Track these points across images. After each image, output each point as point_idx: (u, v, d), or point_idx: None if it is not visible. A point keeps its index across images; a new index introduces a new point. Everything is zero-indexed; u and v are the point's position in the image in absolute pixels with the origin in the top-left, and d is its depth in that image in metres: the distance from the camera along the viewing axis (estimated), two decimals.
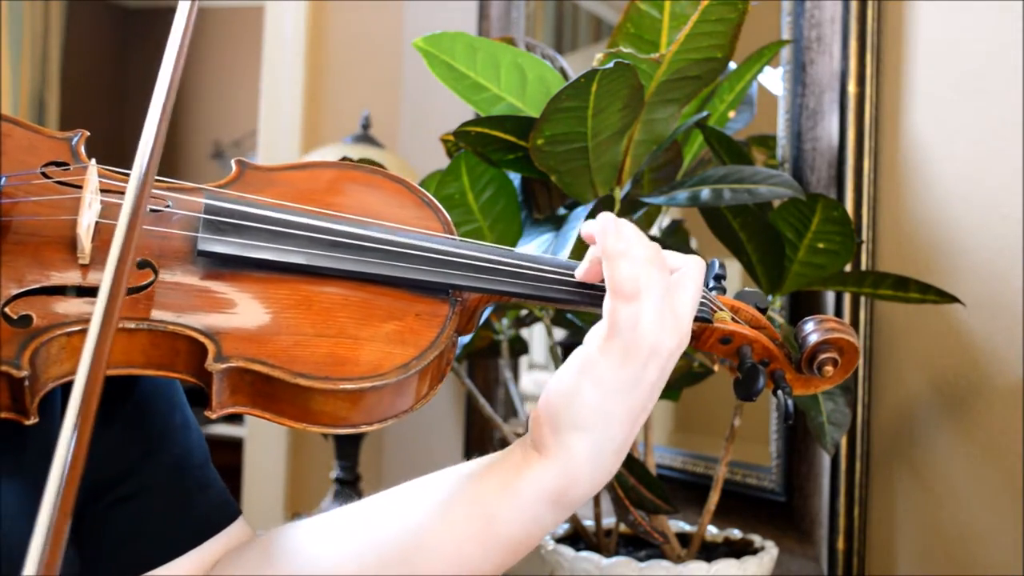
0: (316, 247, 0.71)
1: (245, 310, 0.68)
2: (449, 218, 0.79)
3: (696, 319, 0.75)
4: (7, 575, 0.66)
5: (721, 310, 0.78)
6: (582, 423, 0.69)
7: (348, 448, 2.08)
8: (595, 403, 0.69)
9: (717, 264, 0.81)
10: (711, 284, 0.80)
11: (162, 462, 0.81)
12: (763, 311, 0.79)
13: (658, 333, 0.68)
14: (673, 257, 0.73)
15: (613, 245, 0.68)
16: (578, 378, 0.69)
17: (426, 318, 0.71)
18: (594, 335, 0.70)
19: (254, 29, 3.11)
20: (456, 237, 0.77)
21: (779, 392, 0.76)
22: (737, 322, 0.78)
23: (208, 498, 0.83)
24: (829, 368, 0.77)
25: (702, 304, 0.77)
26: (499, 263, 0.74)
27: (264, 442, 2.58)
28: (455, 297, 0.73)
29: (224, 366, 0.64)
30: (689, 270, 0.72)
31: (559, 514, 0.72)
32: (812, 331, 0.77)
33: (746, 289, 0.81)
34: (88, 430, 0.53)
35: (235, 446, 2.89)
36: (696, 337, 0.77)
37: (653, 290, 0.68)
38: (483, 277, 0.73)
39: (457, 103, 1.15)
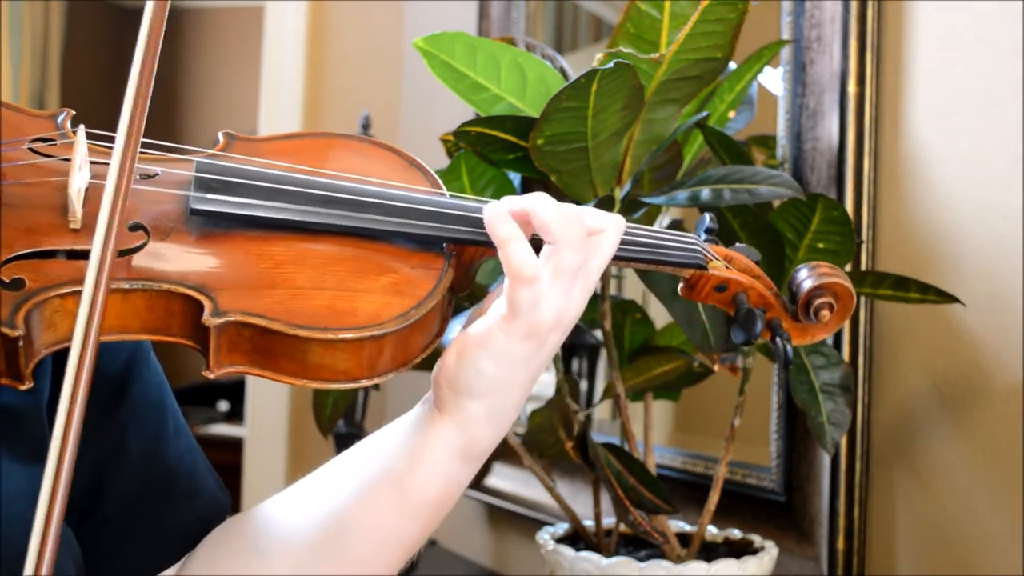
0: (309, 203, 0.71)
1: (240, 267, 0.68)
2: (438, 177, 0.79)
3: (691, 266, 0.77)
4: (7, 554, 0.66)
5: (715, 259, 0.78)
6: (479, 391, 0.70)
7: (348, 447, 2.07)
8: (493, 374, 0.69)
9: (708, 218, 0.81)
10: (703, 236, 0.81)
11: (155, 471, 0.81)
12: (757, 263, 0.80)
13: (562, 309, 0.69)
14: (593, 218, 0.72)
15: (502, 232, 0.68)
16: (477, 351, 0.69)
17: (422, 271, 0.71)
18: (496, 310, 0.70)
19: (254, 29, 3.11)
20: (446, 192, 0.77)
21: (777, 339, 0.77)
22: (731, 270, 0.78)
23: (200, 503, 0.83)
24: (826, 313, 0.77)
25: (696, 252, 0.77)
26: None
27: (264, 442, 2.58)
28: (449, 251, 0.73)
29: (221, 320, 0.64)
30: (607, 234, 0.72)
31: (471, 467, 0.73)
32: (806, 277, 0.78)
33: (738, 244, 0.82)
34: (86, 389, 0.53)
35: (235, 446, 2.90)
36: (692, 286, 0.78)
37: (558, 269, 0.68)
38: (475, 230, 0.73)
39: (457, 103, 1.15)
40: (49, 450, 0.52)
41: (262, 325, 0.65)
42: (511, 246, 0.68)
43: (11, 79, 4.03)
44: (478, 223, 0.73)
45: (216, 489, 0.86)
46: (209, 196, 0.69)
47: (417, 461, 0.71)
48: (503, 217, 0.69)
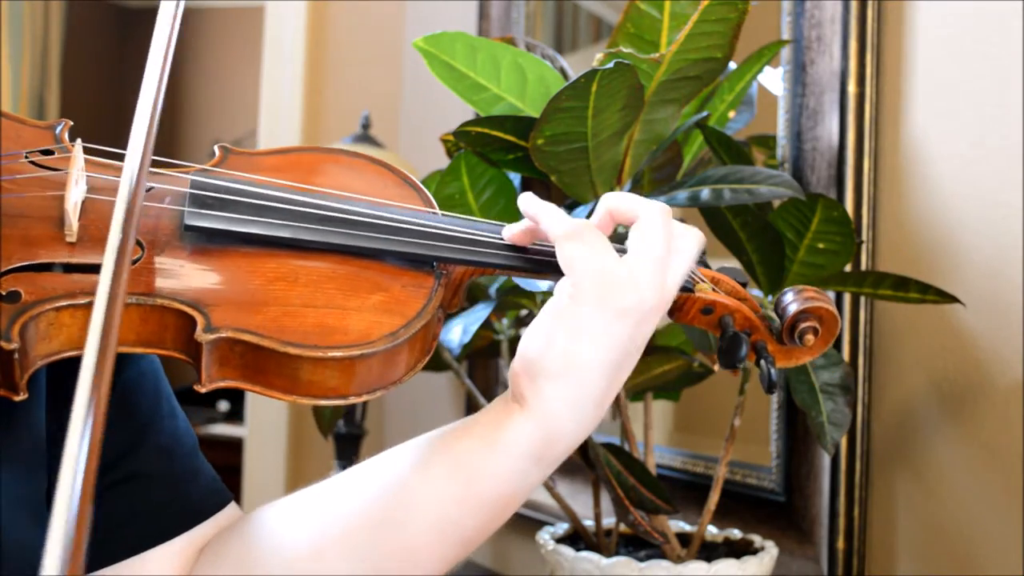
0: (302, 221, 0.72)
1: (233, 284, 0.69)
2: (431, 196, 0.80)
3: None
4: (6, 565, 0.66)
5: (702, 281, 0.79)
6: (555, 370, 0.69)
7: (348, 448, 2.08)
8: (566, 347, 0.68)
9: None
10: None
11: (149, 450, 0.80)
12: (743, 285, 0.80)
13: (641, 278, 0.69)
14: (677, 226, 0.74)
15: (531, 208, 0.73)
16: (550, 325, 0.69)
17: (412, 289, 0.72)
18: (562, 284, 0.70)
19: (254, 29, 3.11)
20: (439, 212, 0.78)
21: (761, 362, 0.77)
22: (718, 292, 0.78)
23: (198, 485, 0.83)
24: (810, 337, 0.77)
25: None
26: (481, 234, 0.75)
27: (264, 442, 2.58)
28: (440, 270, 0.74)
29: (213, 337, 0.65)
30: (689, 237, 0.73)
31: (543, 470, 0.71)
32: (792, 300, 0.78)
33: (725, 265, 0.82)
34: (104, 407, 0.53)
35: (235, 446, 2.90)
36: (678, 308, 0.78)
37: (645, 238, 0.69)
38: (466, 248, 0.74)
39: (457, 103, 1.15)
40: (62, 461, 0.52)
41: (253, 342, 0.66)
42: (544, 216, 0.71)
43: (11, 79, 4.03)
44: (468, 242, 0.74)
45: (217, 478, 0.86)
46: (204, 212, 0.70)
47: (490, 453, 0.70)
48: (529, 197, 0.73)
